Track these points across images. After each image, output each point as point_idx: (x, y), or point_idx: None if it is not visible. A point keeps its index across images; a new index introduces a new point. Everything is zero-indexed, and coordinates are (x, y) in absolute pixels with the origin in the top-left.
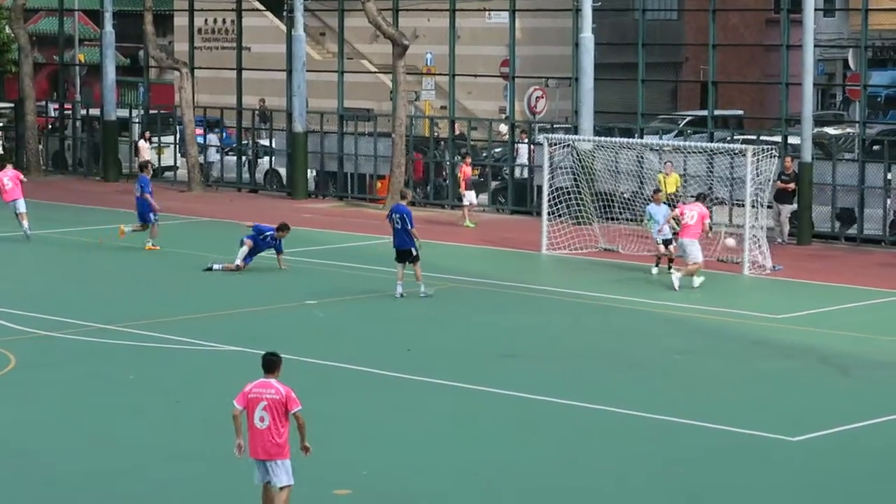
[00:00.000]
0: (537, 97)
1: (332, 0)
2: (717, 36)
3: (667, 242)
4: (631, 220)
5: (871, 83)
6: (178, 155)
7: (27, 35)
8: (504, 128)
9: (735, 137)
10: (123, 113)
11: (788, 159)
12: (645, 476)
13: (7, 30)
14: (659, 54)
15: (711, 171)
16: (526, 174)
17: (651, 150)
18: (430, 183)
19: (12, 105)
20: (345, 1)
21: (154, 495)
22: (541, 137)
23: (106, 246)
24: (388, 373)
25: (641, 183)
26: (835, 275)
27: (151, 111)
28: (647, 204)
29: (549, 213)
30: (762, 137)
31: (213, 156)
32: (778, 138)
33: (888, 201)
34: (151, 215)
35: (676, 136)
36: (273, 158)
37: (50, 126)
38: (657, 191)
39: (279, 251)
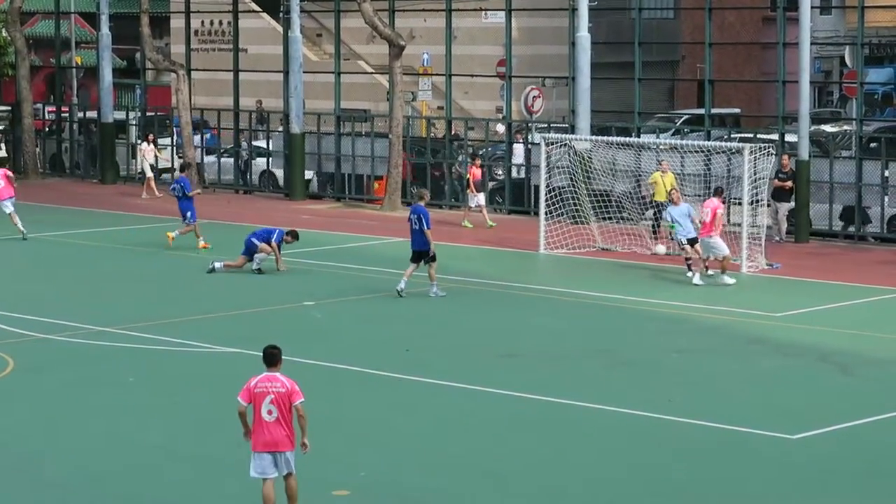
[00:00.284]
0: (534, 97)
1: (329, 1)
2: (713, 34)
3: (692, 242)
4: (628, 220)
5: (867, 80)
6: (176, 157)
7: (24, 38)
8: (501, 128)
9: (732, 136)
10: (120, 115)
11: (786, 157)
12: (643, 474)
13: (4, 33)
14: (655, 53)
15: (709, 170)
16: (522, 174)
17: (648, 149)
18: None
19: (9, 108)
20: (341, 2)
21: (154, 496)
22: (538, 137)
23: (104, 248)
24: (386, 373)
25: (638, 182)
26: (833, 272)
27: (148, 113)
28: (650, 204)
29: (546, 213)
30: (759, 135)
31: (203, 157)
32: (775, 136)
33: (885, 198)
34: (189, 214)
35: (673, 134)
36: (270, 160)
37: (47, 129)
38: (673, 190)
39: (279, 249)
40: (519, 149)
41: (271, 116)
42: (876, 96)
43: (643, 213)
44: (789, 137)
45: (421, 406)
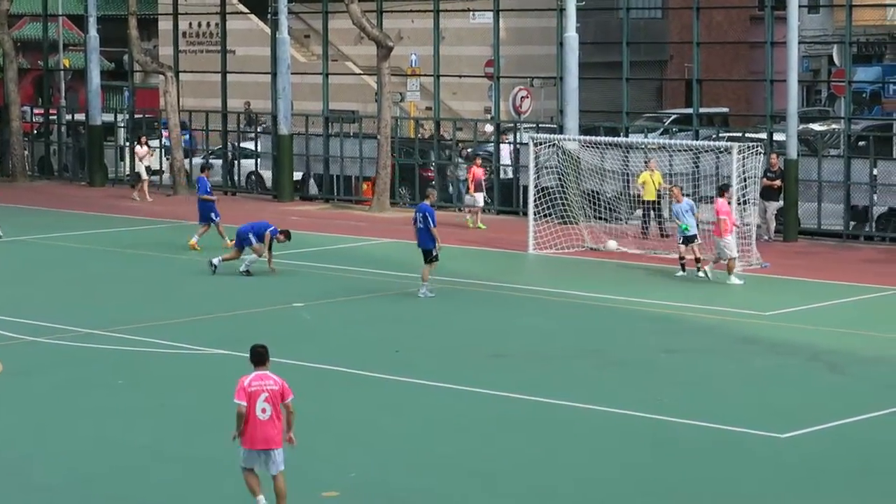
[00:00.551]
0: (522, 97)
1: (317, 2)
2: (701, 34)
3: (687, 241)
4: (617, 220)
5: (855, 79)
6: (164, 158)
7: (11, 41)
8: (489, 128)
9: (720, 135)
10: (109, 117)
11: (774, 156)
12: (633, 474)
13: None
14: (644, 53)
15: (697, 169)
16: (511, 174)
17: (636, 148)
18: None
19: None
20: (329, 3)
21: (143, 498)
22: (526, 137)
23: (93, 250)
24: (375, 374)
25: (627, 182)
26: (822, 271)
27: (136, 115)
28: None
29: (535, 213)
30: (748, 135)
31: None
32: (763, 135)
33: (874, 197)
34: (213, 215)
35: (662, 134)
36: (259, 161)
37: (35, 132)
38: (674, 186)
39: (271, 245)
40: (504, 149)
41: (259, 118)
42: (864, 95)
43: (632, 213)
44: (778, 136)
45: (410, 407)
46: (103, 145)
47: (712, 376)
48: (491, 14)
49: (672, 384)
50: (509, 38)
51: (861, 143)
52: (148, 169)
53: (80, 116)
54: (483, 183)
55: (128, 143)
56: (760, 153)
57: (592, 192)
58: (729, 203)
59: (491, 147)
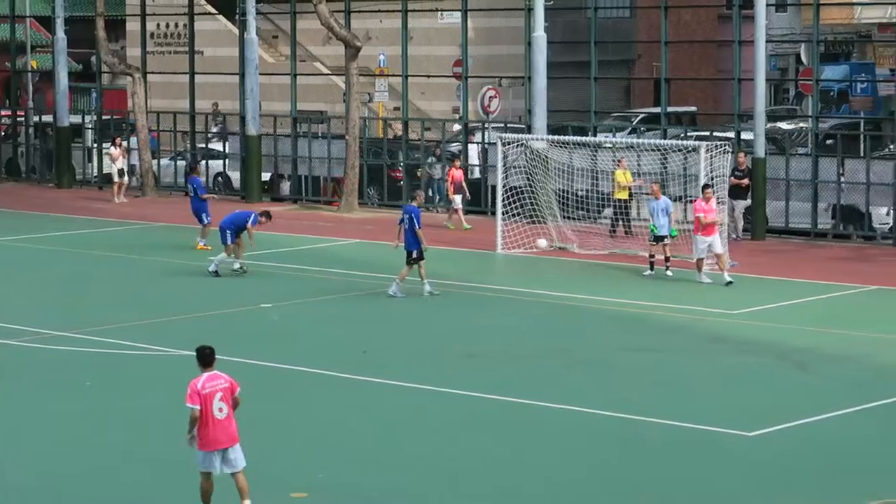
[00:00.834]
0: (490, 97)
1: (285, 3)
2: (669, 33)
3: (658, 239)
4: (586, 219)
5: (823, 78)
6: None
7: None
8: (458, 128)
9: (688, 134)
10: (76, 119)
11: (742, 155)
12: (600, 473)
13: None
14: (612, 52)
15: (665, 168)
16: (478, 174)
17: (604, 148)
18: (382, 185)
19: None
20: (297, 3)
21: (114, 499)
22: (495, 137)
23: (61, 252)
24: (344, 374)
25: (596, 181)
26: (790, 270)
27: (104, 117)
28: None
29: (503, 213)
30: (715, 134)
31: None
32: (731, 134)
33: (841, 196)
34: (204, 215)
35: (630, 133)
36: (227, 162)
37: (3, 133)
38: (655, 183)
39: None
40: (473, 149)
41: (228, 119)
42: (832, 93)
43: (600, 212)
44: (745, 135)
45: (379, 407)
46: (71, 147)
47: (681, 375)
48: (459, 14)
49: (641, 383)
50: (477, 38)
51: (829, 142)
52: (121, 171)
53: (47, 118)
54: (463, 184)
55: (95, 145)
56: (728, 152)
57: (562, 190)
58: (707, 202)
59: (454, 147)
